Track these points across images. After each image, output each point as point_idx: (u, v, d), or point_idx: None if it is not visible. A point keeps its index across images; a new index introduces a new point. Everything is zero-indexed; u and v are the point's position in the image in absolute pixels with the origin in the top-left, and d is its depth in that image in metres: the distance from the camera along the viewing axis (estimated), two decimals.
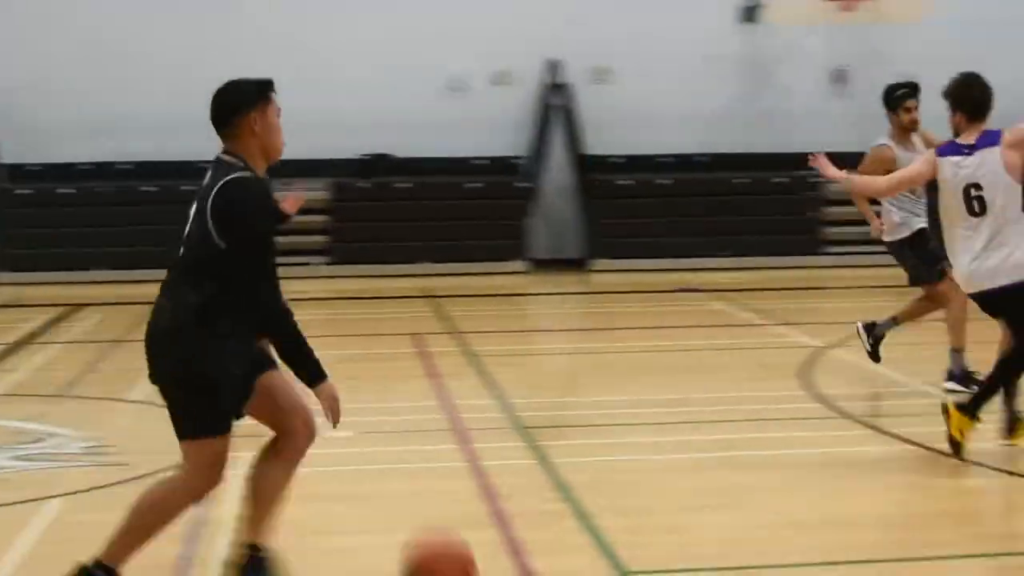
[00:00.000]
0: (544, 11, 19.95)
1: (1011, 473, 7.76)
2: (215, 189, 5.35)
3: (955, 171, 7.95)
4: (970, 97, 8.11)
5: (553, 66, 20.09)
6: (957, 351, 10.04)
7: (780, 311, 15.23)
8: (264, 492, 5.64)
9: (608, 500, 7.28)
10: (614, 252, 19.75)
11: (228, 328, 5.35)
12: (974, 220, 7.87)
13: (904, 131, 10.34)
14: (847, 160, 21.07)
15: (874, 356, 10.57)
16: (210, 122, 5.53)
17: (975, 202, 7.85)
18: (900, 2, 18.58)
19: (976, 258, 7.88)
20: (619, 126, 20.01)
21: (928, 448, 8.32)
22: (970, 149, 7.96)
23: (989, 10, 20.48)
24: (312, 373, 5.48)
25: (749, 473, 7.93)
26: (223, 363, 5.34)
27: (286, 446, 5.65)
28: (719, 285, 17.50)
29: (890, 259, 10.75)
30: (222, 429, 5.42)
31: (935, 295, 10.20)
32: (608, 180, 19.71)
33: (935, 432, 8.19)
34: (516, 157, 20.14)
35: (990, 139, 7.94)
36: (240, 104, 5.45)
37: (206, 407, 5.38)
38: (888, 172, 9.37)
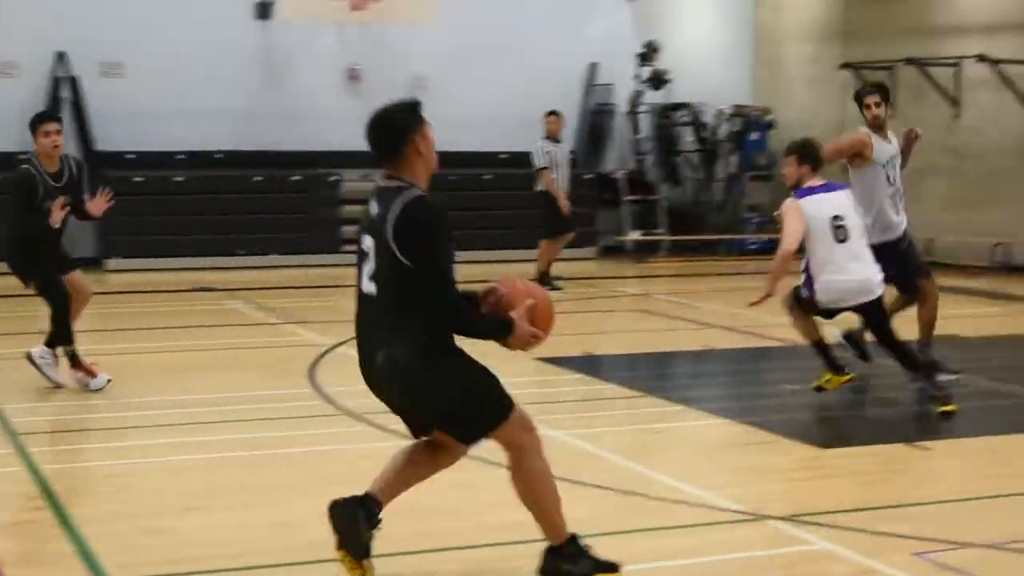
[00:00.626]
0: (52, 1, 19.40)
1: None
2: (395, 213, 5.44)
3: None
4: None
5: (60, 58, 19.52)
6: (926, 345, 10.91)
7: (296, 309, 15.41)
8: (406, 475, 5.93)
9: (95, 506, 7.14)
10: (129, 251, 19.40)
11: (448, 338, 5.61)
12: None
13: (874, 127, 10.89)
14: (360, 158, 21.55)
15: (866, 356, 11.08)
16: (376, 151, 5.66)
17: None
18: (409, 4, 19.00)
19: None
20: (131, 122, 19.67)
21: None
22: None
23: (491, 14, 21.49)
24: (502, 332, 5.66)
25: (248, 473, 7.94)
26: (468, 366, 5.65)
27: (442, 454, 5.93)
28: (237, 284, 17.50)
29: None
30: (509, 405, 5.69)
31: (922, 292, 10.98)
32: (121, 177, 19.28)
33: None
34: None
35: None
36: (405, 129, 5.59)
37: (489, 404, 5.65)
38: (859, 154, 10.69)
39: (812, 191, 9.82)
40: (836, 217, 9.66)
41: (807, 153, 9.93)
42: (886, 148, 10.79)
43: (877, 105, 10.83)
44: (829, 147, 10.61)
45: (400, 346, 5.53)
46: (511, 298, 5.66)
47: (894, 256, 10.54)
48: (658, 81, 21.85)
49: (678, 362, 12.62)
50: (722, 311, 15.33)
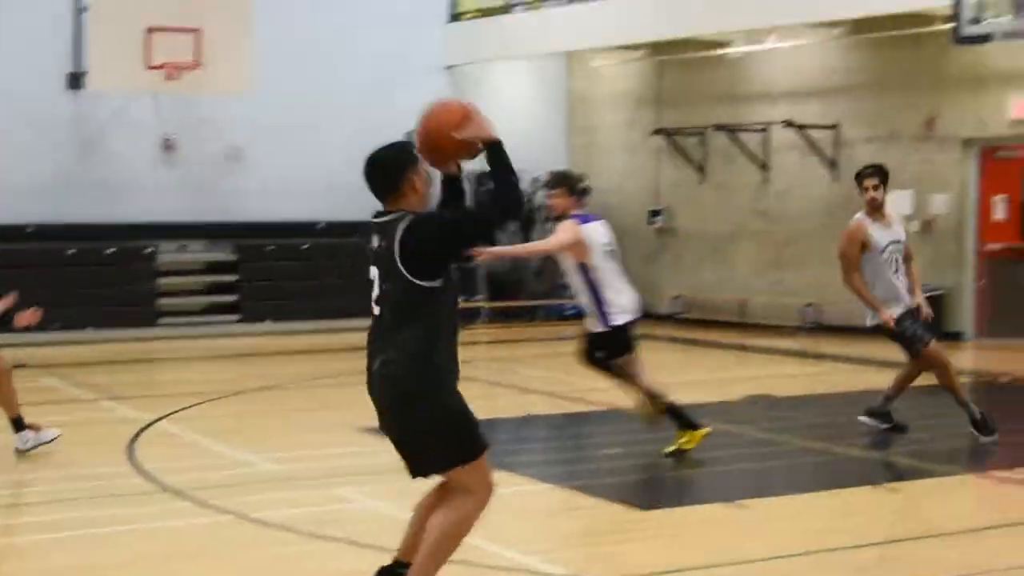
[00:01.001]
0: None
1: (323, 537, 8.12)
2: (397, 237, 5.91)
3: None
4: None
5: None
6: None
7: (113, 385, 15.18)
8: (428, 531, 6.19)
9: None
10: None
11: (445, 358, 6.05)
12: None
13: (871, 209, 11.08)
14: (177, 230, 21.31)
15: (899, 427, 11.27)
16: (374, 190, 6.10)
17: None
18: (225, 74, 18.91)
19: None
20: None
21: (244, 517, 8.55)
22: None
23: (308, 83, 21.54)
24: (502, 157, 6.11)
25: (70, 554, 7.81)
26: (455, 395, 6.11)
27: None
28: (52, 360, 17.16)
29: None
30: (484, 446, 6.15)
31: (927, 358, 11.10)
32: None
33: (252, 502, 8.47)
34: None
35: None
36: (402, 168, 6.05)
37: (466, 438, 6.11)
38: (862, 246, 10.95)
39: (586, 219, 10.25)
40: (607, 243, 10.31)
41: (575, 185, 10.43)
42: (883, 235, 11.03)
43: (875, 188, 11.12)
44: (842, 258, 11.13)
45: (395, 351, 5.99)
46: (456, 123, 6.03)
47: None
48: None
49: (501, 428, 12.69)
50: (543, 376, 15.51)
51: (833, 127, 20.14)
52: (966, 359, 17.13)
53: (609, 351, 10.30)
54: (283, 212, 21.50)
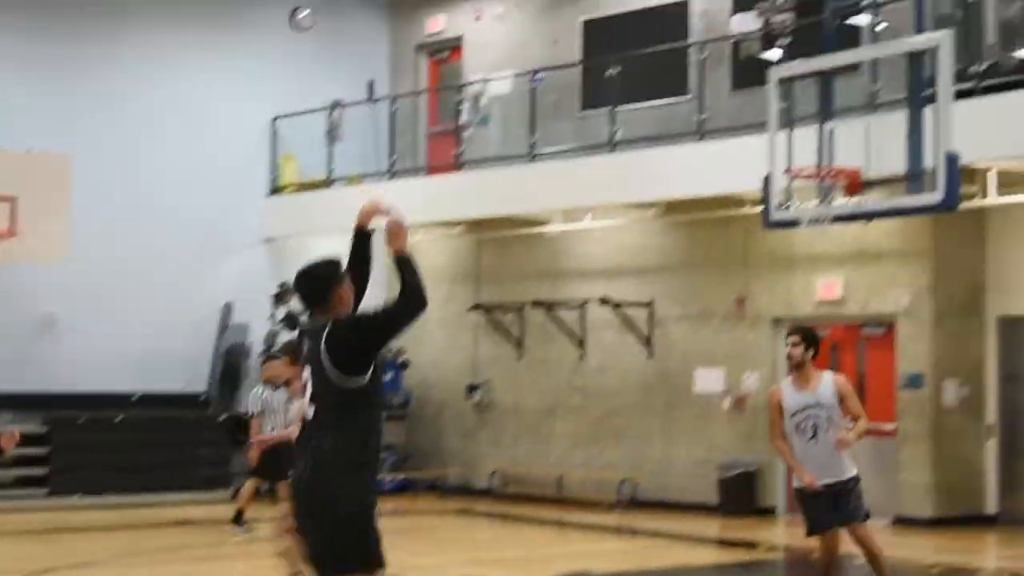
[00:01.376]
0: None
1: None
2: (322, 340, 6.36)
3: None
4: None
5: None
6: None
7: None
8: None
9: None
10: None
11: (372, 460, 6.46)
12: None
13: (792, 367, 10.72)
14: None
15: None
16: (305, 301, 6.77)
17: None
18: (41, 243, 18.55)
19: None
20: None
21: None
22: None
23: (126, 252, 21.27)
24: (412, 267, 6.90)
25: None
26: (373, 507, 6.45)
27: None
28: None
29: None
30: (382, 563, 6.37)
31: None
32: None
33: None
34: None
35: None
36: (330, 282, 6.62)
37: (370, 548, 6.33)
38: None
39: None
40: None
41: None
42: (795, 399, 10.58)
43: (794, 345, 10.75)
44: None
45: (325, 453, 6.29)
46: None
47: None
48: (293, 321, 21.86)
49: None
50: None
51: (648, 304, 20.42)
52: (777, 534, 17.29)
53: None
54: (95, 383, 21.01)
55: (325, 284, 6.65)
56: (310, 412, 6.43)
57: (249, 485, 17.01)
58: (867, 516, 10.48)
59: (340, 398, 6.34)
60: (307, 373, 6.50)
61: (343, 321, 6.52)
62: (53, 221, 18.59)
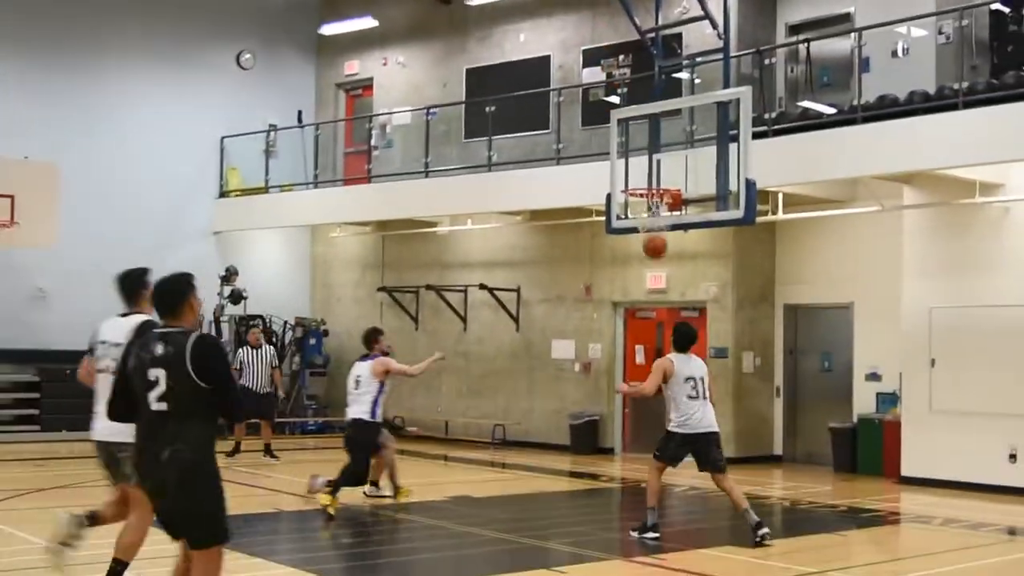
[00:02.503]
0: None
1: None
2: (188, 347, 5.82)
3: None
4: None
5: None
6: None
7: None
8: None
9: None
10: None
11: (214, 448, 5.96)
12: None
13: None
14: None
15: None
16: (160, 308, 6.12)
17: None
18: (35, 231, 18.22)
19: None
20: None
21: None
22: None
23: (102, 238, 20.90)
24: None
25: None
26: (222, 486, 5.99)
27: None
28: None
29: None
30: (229, 535, 6.05)
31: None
32: None
33: None
34: None
35: None
36: (184, 293, 6.13)
37: (225, 522, 5.99)
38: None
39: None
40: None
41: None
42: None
43: None
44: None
45: (185, 444, 5.80)
46: None
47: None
48: (237, 297, 21.72)
49: (254, 522, 12.36)
50: (289, 480, 15.15)
51: (516, 290, 20.60)
52: (615, 469, 17.56)
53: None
54: (78, 343, 20.62)
55: (179, 295, 6.12)
56: (159, 406, 5.86)
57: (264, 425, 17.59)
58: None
59: (196, 397, 5.81)
60: (157, 373, 5.88)
61: (209, 340, 6.04)
62: (44, 215, 18.27)
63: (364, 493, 12.85)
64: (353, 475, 12.16)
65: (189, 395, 5.83)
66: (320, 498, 11.91)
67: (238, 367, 17.23)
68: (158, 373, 5.90)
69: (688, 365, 10.87)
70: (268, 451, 17.28)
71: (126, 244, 21.53)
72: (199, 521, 5.90)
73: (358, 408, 12.38)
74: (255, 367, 17.45)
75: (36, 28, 21.29)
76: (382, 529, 11.16)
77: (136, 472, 6.11)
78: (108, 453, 7.65)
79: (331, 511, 11.64)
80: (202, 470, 5.86)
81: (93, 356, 7.95)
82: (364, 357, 12.66)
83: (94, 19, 21.89)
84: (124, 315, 7.86)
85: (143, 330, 6.58)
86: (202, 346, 5.90)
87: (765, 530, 10.43)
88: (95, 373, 7.82)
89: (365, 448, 12.33)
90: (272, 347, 18.62)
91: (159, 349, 5.94)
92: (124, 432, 6.45)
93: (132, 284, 7.97)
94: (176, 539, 6.04)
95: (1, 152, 19.29)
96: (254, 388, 17.31)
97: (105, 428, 7.31)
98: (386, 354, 12.83)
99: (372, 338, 12.83)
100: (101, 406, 7.40)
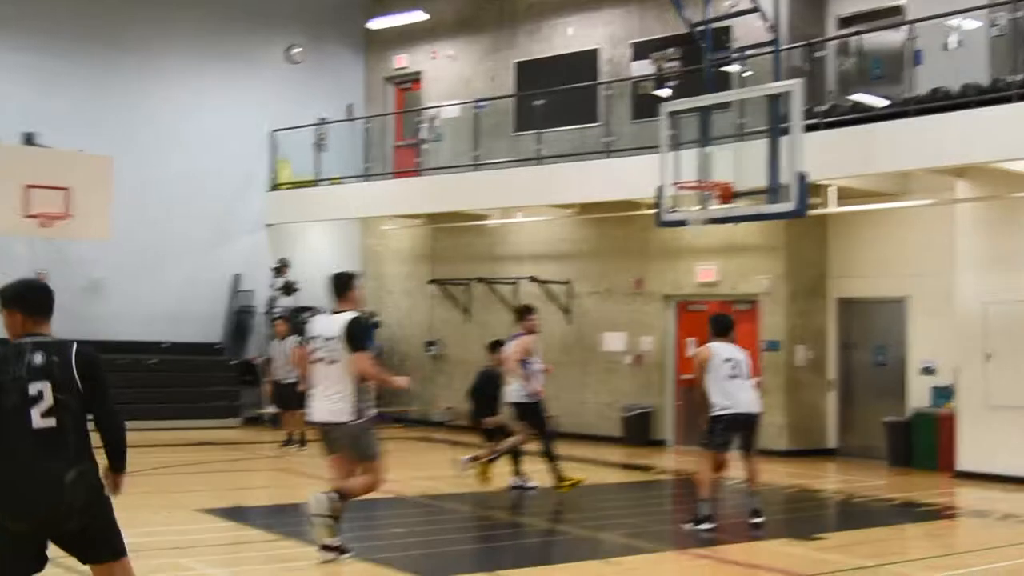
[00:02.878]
0: None
1: None
2: (73, 356, 5.37)
3: None
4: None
5: None
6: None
7: None
8: None
9: None
10: None
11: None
12: None
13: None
14: None
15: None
16: (36, 313, 5.51)
17: None
18: (89, 224, 18.46)
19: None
20: None
21: None
22: None
23: (157, 233, 21.16)
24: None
25: None
26: None
27: None
28: None
29: None
30: None
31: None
32: None
33: None
34: None
35: None
36: (52, 300, 5.64)
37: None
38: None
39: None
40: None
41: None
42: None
43: None
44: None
45: (87, 464, 5.30)
46: None
47: None
48: (289, 289, 21.89)
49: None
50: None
51: (567, 283, 20.61)
52: (667, 461, 17.53)
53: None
54: (132, 333, 20.98)
55: (50, 301, 5.64)
56: (44, 423, 5.27)
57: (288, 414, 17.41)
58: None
59: (82, 409, 5.34)
60: (39, 386, 5.29)
61: (90, 352, 5.46)
62: (98, 207, 18.49)
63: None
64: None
65: (78, 408, 5.35)
66: (473, 469, 13.10)
67: (266, 359, 17.41)
68: (41, 386, 5.31)
69: (726, 348, 10.91)
70: (293, 441, 17.28)
71: (180, 237, 21.86)
72: (115, 532, 5.49)
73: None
74: (282, 359, 17.51)
75: (91, 25, 21.56)
76: (431, 518, 11.18)
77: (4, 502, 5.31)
78: (325, 434, 8.96)
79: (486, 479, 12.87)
80: (101, 485, 5.46)
81: (306, 346, 9.09)
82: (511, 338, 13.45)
83: (147, 16, 22.14)
84: (335, 312, 8.83)
85: (354, 324, 8.52)
86: (87, 353, 5.46)
87: (762, 519, 10.74)
88: (309, 362, 8.93)
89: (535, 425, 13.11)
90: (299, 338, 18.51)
91: (38, 358, 5.37)
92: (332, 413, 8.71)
93: (342, 284, 8.94)
94: (89, 561, 5.50)
95: (57, 145, 19.58)
96: (280, 379, 17.33)
97: (324, 411, 8.80)
98: (531, 332, 13.34)
99: (523, 315, 13.47)
100: (318, 391, 8.84)
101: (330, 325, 8.78)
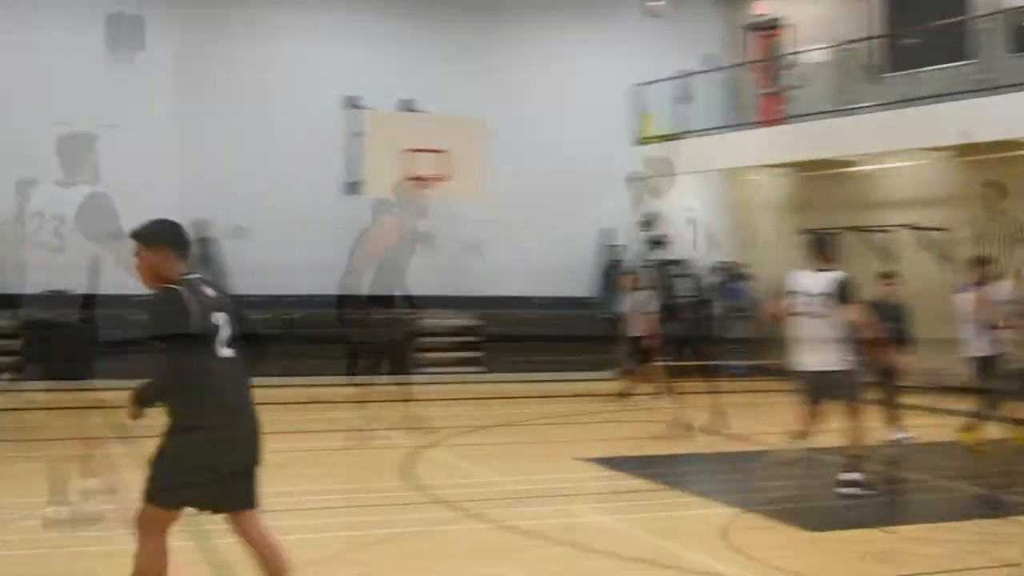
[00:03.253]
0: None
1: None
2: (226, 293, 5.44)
3: None
4: None
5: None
6: None
7: (385, 419, 15.20)
8: None
9: None
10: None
11: None
12: None
13: None
14: (433, 301, 20.95)
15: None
16: (186, 251, 5.49)
17: None
18: (466, 185, 19.36)
19: None
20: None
21: (501, 525, 8.58)
22: None
23: (528, 191, 21.84)
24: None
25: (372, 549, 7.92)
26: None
27: None
28: (340, 397, 17.02)
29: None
30: (172, 502, 5.45)
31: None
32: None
33: (505, 513, 8.56)
34: None
35: None
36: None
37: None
38: None
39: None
40: None
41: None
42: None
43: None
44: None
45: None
46: None
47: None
48: (657, 243, 21.98)
49: (693, 462, 12.55)
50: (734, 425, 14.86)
51: (944, 230, 19.64)
52: None
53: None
54: (512, 288, 21.86)
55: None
56: (227, 352, 5.31)
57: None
58: None
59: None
60: (218, 317, 5.32)
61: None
62: (474, 168, 19.31)
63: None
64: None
65: (238, 340, 5.38)
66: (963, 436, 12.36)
67: (620, 313, 17.47)
68: (220, 317, 5.35)
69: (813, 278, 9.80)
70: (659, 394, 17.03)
71: (551, 195, 22.45)
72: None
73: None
74: (633, 312, 17.54)
75: None
76: (817, 472, 10.97)
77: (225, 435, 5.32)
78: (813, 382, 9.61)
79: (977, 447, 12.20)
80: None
81: (787, 300, 9.77)
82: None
83: None
84: (819, 270, 9.48)
85: (846, 281, 9.18)
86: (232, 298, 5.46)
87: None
88: (790, 315, 9.65)
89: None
90: (651, 291, 18.05)
91: (208, 291, 5.40)
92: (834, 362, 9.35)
93: (824, 244, 9.64)
94: (246, 507, 5.46)
95: (435, 109, 20.57)
96: (630, 333, 17.36)
97: (814, 360, 9.49)
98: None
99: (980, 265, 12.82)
100: (805, 343, 9.54)
101: (816, 281, 9.48)
